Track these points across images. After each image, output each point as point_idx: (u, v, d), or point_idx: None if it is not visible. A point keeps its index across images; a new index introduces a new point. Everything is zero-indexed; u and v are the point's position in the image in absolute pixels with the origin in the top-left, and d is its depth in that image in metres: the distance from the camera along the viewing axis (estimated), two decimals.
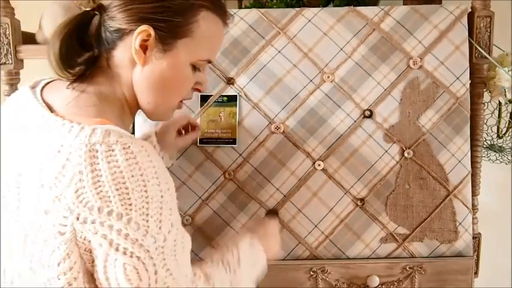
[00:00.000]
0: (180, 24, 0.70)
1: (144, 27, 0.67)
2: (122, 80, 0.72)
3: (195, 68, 0.75)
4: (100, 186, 0.58)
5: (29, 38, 1.11)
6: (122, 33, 0.69)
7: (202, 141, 1.04)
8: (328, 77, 1.04)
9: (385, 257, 1.04)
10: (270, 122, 1.04)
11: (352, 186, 1.03)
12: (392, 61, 1.04)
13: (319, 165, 1.03)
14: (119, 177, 0.58)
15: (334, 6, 1.14)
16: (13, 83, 1.07)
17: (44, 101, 0.68)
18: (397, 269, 1.02)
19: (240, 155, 1.04)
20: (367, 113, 1.03)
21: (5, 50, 1.04)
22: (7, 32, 1.04)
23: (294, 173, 1.03)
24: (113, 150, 0.59)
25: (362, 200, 1.03)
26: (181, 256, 0.64)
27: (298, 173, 1.03)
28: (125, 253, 0.59)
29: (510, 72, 1.01)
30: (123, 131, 0.63)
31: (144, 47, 0.69)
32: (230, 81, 1.05)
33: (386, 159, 1.03)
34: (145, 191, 0.60)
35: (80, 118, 0.64)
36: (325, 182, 1.03)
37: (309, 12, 1.06)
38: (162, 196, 0.62)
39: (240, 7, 1.25)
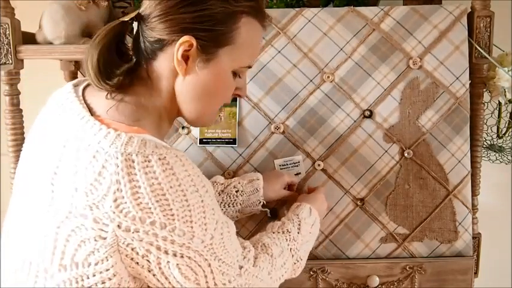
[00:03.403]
0: (222, 32, 0.69)
1: (186, 37, 0.67)
2: (163, 90, 0.71)
3: (235, 74, 0.75)
4: (139, 197, 0.59)
5: (29, 38, 1.11)
6: (162, 44, 0.68)
7: (202, 141, 1.04)
8: (328, 77, 1.04)
9: (385, 257, 1.04)
10: (270, 122, 1.04)
11: (352, 186, 1.03)
12: (392, 61, 1.04)
13: (319, 165, 1.03)
14: (158, 189, 0.60)
15: (334, 6, 1.14)
16: (13, 83, 1.07)
17: (85, 101, 0.68)
18: (397, 269, 1.02)
19: (240, 155, 1.04)
20: (367, 113, 1.03)
21: (5, 50, 1.04)
22: (7, 32, 1.04)
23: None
24: (149, 161, 0.60)
25: (362, 200, 1.03)
26: (228, 242, 0.67)
27: None
28: (175, 255, 0.61)
29: (510, 72, 1.01)
30: (158, 141, 0.64)
31: (185, 57, 0.68)
32: None
33: (386, 159, 1.03)
34: (186, 200, 0.61)
35: (117, 124, 0.64)
36: (325, 182, 1.03)
37: (309, 12, 1.06)
38: (202, 201, 0.63)
39: None
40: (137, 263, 0.61)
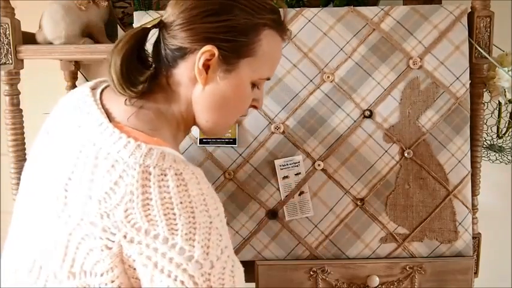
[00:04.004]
0: (244, 43, 0.69)
1: (208, 47, 0.66)
2: (181, 98, 0.71)
3: (253, 85, 0.75)
4: (149, 209, 0.58)
5: (29, 38, 1.11)
6: (184, 52, 0.68)
7: (202, 141, 1.04)
8: (328, 77, 1.04)
9: (385, 257, 1.04)
10: (270, 122, 1.04)
11: (352, 186, 1.03)
12: (392, 61, 1.04)
13: (319, 165, 1.03)
14: (168, 202, 0.59)
15: (334, 6, 1.14)
16: (13, 83, 1.07)
17: (103, 106, 0.68)
18: (397, 269, 1.02)
19: (240, 155, 1.04)
20: (367, 113, 1.03)
21: (5, 50, 1.05)
22: (7, 32, 1.04)
23: None
24: (165, 175, 0.60)
25: (362, 200, 1.03)
26: (230, 284, 0.62)
27: None
28: (169, 276, 0.59)
29: (510, 72, 1.01)
30: (178, 155, 0.64)
31: (206, 67, 0.68)
32: None
33: (386, 159, 1.03)
34: (193, 217, 0.60)
35: (137, 133, 0.63)
36: (325, 182, 1.03)
37: (309, 12, 1.06)
38: (210, 222, 0.61)
39: None
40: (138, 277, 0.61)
